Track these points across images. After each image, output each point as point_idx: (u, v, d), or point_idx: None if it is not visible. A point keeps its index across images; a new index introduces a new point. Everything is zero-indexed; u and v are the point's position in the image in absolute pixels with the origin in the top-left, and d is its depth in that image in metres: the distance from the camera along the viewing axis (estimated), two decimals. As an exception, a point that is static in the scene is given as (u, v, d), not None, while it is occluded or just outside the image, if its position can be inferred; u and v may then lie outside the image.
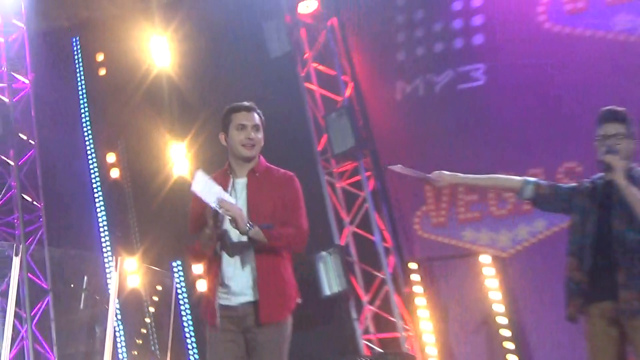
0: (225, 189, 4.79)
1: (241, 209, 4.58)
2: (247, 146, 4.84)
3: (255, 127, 4.88)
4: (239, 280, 4.72)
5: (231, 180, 4.90)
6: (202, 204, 4.76)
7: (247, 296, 4.67)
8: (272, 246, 4.76)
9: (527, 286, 8.36)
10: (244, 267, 4.73)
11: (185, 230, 5.23)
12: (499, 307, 8.18)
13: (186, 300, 9.35)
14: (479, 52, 8.97)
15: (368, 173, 9.03)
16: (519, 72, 8.68)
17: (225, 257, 4.72)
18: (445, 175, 5.05)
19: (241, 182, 4.90)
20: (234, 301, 4.69)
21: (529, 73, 8.60)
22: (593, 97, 7.94)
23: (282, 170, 5.02)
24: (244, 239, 4.61)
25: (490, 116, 8.72)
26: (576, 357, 7.08)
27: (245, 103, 4.97)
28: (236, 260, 4.76)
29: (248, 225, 4.53)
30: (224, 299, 4.70)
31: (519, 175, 5.29)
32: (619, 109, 4.87)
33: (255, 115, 4.90)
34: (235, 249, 4.72)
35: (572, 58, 8.49)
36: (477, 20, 8.98)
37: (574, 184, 4.99)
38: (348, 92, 9.22)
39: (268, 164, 4.98)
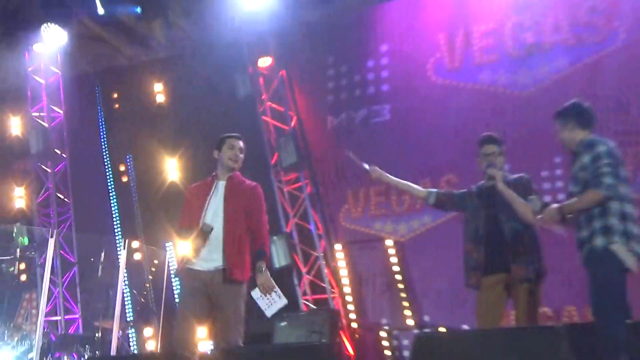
0: (208, 193, 5.07)
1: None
2: (233, 160, 5.15)
3: (240, 150, 5.19)
4: (213, 254, 4.87)
5: (215, 182, 5.12)
6: (192, 207, 5.09)
7: (217, 262, 4.86)
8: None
9: (418, 261, 8.45)
10: (217, 246, 4.87)
11: (175, 220, 5.47)
12: (398, 276, 8.36)
13: (174, 269, 9.37)
14: (386, 97, 9.09)
15: (307, 181, 9.10)
16: (414, 111, 8.82)
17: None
18: (378, 171, 5.34)
19: (222, 184, 5.09)
20: (205, 267, 4.85)
21: (421, 111, 8.77)
22: (466, 127, 8.20)
23: (250, 182, 5.32)
24: (220, 234, 4.87)
25: (394, 142, 8.82)
26: (454, 308, 7.40)
27: (236, 134, 5.28)
28: (211, 243, 4.87)
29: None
30: (198, 266, 4.92)
31: (414, 182, 5.65)
32: (494, 134, 5.15)
33: (241, 142, 5.23)
34: (211, 239, 4.88)
35: (451, 101, 8.67)
36: (384, 74, 9.17)
37: (464, 190, 5.17)
38: (292, 123, 9.33)
39: (242, 177, 5.19)
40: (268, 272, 4.84)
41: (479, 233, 4.93)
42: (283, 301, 4.86)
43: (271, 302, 4.83)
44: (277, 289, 4.84)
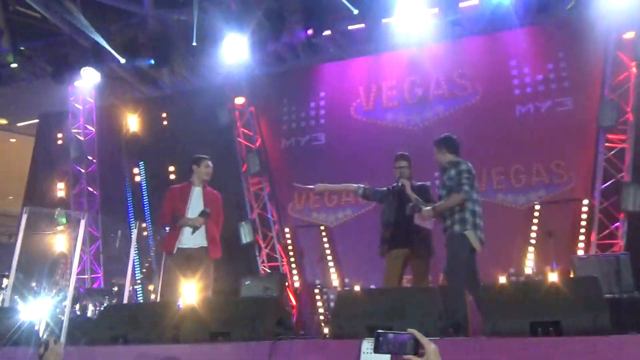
0: (188, 194, 5.17)
1: None
2: (208, 175, 5.25)
3: (211, 168, 5.28)
4: (198, 238, 5.02)
5: (192, 187, 5.22)
6: (175, 203, 5.11)
7: (202, 243, 5.00)
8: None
9: (342, 241, 8.48)
10: (201, 232, 5.03)
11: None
12: (327, 251, 8.30)
13: None
14: (322, 127, 9.14)
15: (266, 184, 9.08)
16: (341, 138, 8.88)
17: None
18: (321, 186, 5.44)
19: (198, 190, 5.21)
20: (191, 245, 4.99)
21: (346, 138, 8.85)
22: (377, 151, 8.20)
23: (216, 191, 5.41)
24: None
25: (327, 159, 8.80)
26: (370, 275, 7.33)
27: (208, 157, 5.38)
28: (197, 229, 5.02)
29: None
30: (185, 245, 5.00)
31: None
32: (405, 153, 5.23)
33: (210, 162, 5.29)
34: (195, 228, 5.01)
35: (367, 132, 8.73)
36: (322, 112, 9.20)
37: (384, 189, 5.24)
38: (258, 143, 9.30)
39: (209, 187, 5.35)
40: (202, 219, 5.01)
41: (390, 220, 5.01)
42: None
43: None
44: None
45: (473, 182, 4.54)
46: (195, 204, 5.13)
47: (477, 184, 4.65)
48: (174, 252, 4.96)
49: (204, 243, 5.03)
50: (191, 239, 4.99)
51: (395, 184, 5.14)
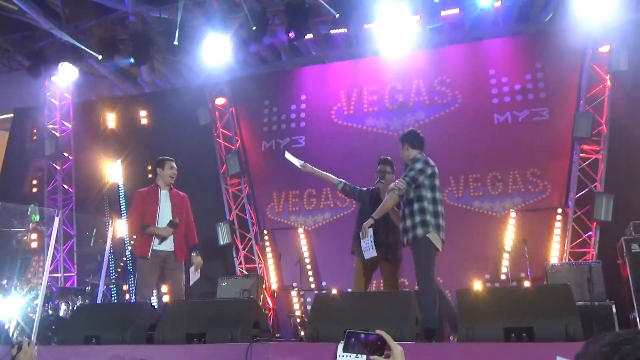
0: (157, 198, 5.21)
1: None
2: (172, 177, 5.31)
3: (176, 169, 5.34)
4: (167, 242, 5.13)
5: (159, 191, 5.26)
6: (145, 206, 5.18)
7: (170, 247, 5.12)
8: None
9: (319, 244, 8.46)
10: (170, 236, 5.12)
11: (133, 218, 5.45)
12: (305, 254, 8.35)
13: None
14: (302, 130, 9.09)
15: (245, 185, 8.99)
16: (321, 141, 8.83)
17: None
18: (308, 166, 5.37)
19: (165, 193, 5.27)
20: (163, 249, 5.10)
21: (326, 141, 8.81)
22: (356, 154, 8.28)
23: (182, 193, 5.51)
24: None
25: (308, 161, 8.36)
26: (348, 279, 7.39)
27: (172, 158, 5.45)
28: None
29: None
30: (158, 247, 5.09)
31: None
32: (388, 157, 5.22)
33: (174, 163, 5.37)
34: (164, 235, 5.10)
35: (347, 136, 8.73)
36: (302, 115, 9.16)
37: (364, 188, 5.26)
38: (237, 145, 9.23)
39: (175, 188, 5.43)
40: (200, 257, 5.29)
41: (364, 221, 4.93)
42: (197, 276, 5.18)
43: (195, 277, 5.25)
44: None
45: (434, 181, 4.47)
46: (164, 208, 5.20)
47: (439, 183, 4.54)
48: (149, 256, 5.03)
49: (172, 248, 5.15)
50: (163, 243, 5.13)
51: (374, 187, 5.18)
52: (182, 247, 5.25)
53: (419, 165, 4.45)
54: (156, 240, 5.07)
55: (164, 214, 5.17)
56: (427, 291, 4.18)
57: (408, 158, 4.59)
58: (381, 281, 5.30)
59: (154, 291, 5.18)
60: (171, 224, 5.12)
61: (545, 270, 6.38)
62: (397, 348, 1.68)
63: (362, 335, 1.73)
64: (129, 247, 9.35)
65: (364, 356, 1.77)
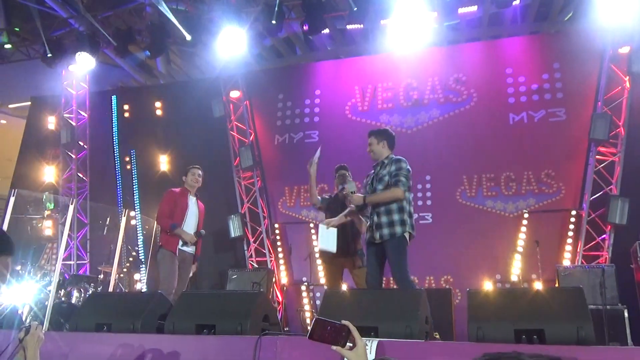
0: (187, 204, 5.45)
1: None
2: (195, 182, 5.59)
3: (199, 175, 5.62)
4: (191, 246, 5.48)
5: (188, 194, 5.54)
6: (176, 206, 5.41)
7: (192, 250, 5.49)
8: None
9: None
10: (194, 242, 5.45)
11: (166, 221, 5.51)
12: (316, 249, 8.11)
13: (159, 233, 9.22)
14: (316, 125, 9.08)
15: (258, 178, 9.00)
16: (334, 137, 8.76)
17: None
18: (312, 170, 5.25)
19: (193, 199, 5.58)
20: (187, 250, 5.46)
21: (339, 137, 8.72)
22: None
23: (201, 202, 5.76)
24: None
25: (320, 156, 8.80)
26: None
27: (197, 165, 5.69)
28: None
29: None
30: (183, 248, 5.40)
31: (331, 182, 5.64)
32: (344, 164, 5.57)
33: (200, 171, 5.65)
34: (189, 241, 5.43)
35: (360, 132, 8.33)
36: (316, 110, 9.13)
37: (328, 196, 5.50)
38: (251, 138, 9.24)
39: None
40: (195, 239, 5.46)
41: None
42: None
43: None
44: None
45: (410, 181, 4.47)
46: (192, 213, 5.50)
47: (412, 184, 4.54)
48: (176, 253, 5.32)
49: (193, 251, 5.53)
50: (188, 245, 5.48)
51: (337, 192, 5.28)
52: (198, 249, 5.64)
53: (407, 166, 4.44)
54: (182, 242, 5.39)
55: (191, 218, 5.48)
56: (407, 282, 4.19)
57: (382, 155, 4.54)
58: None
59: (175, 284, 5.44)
60: (197, 234, 5.49)
61: (557, 272, 6.31)
62: (360, 341, 1.69)
63: (330, 325, 1.73)
64: (141, 237, 9.44)
65: (372, 355, 1.76)
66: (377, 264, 4.40)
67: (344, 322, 1.72)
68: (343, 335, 1.71)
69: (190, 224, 5.48)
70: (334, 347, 1.70)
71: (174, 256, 5.31)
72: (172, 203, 5.41)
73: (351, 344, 1.70)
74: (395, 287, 4.89)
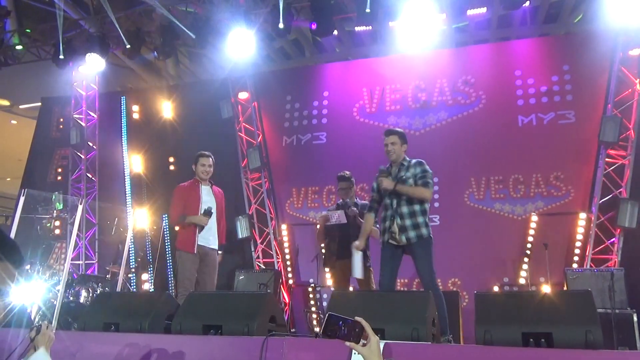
0: (199, 192, 5.25)
1: None
2: (205, 174, 5.26)
3: (209, 165, 5.32)
4: (211, 237, 5.23)
5: (199, 185, 5.29)
6: (187, 201, 5.21)
7: (213, 244, 5.25)
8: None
9: None
10: (214, 232, 5.26)
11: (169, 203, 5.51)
12: (323, 250, 8.29)
13: (167, 234, 9.25)
14: (324, 127, 9.08)
15: (266, 180, 9.02)
16: (342, 138, 8.81)
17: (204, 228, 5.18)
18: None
19: (206, 188, 5.33)
20: (206, 244, 5.20)
21: (347, 139, 8.77)
22: (376, 152, 8.12)
23: (218, 188, 5.57)
24: (214, 223, 5.25)
25: (327, 158, 8.75)
26: None
27: (207, 152, 5.41)
28: (211, 229, 5.22)
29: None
30: (202, 242, 5.18)
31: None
32: (346, 174, 5.60)
33: (211, 159, 5.32)
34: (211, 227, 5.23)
35: (368, 134, 8.61)
36: (324, 111, 9.13)
37: (337, 203, 5.64)
38: (259, 139, 9.26)
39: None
40: (220, 257, 5.38)
41: (336, 234, 5.27)
42: None
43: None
44: None
45: None
46: (207, 202, 5.24)
47: None
48: (194, 251, 5.09)
49: (216, 245, 5.25)
50: (209, 239, 5.20)
51: (340, 202, 5.46)
52: (219, 242, 5.35)
53: (429, 168, 4.48)
54: (200, 236, 5.12)
55: (209, 206, 5.22)
56: (437, 290, 4.19)
57: (400, 156, 4.55)
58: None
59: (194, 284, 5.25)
60: (205, 212, 5.12)
61: (565, 275, 6.27)
62: (374, 337, 1.69)
63: (342, 321, 1.73)
64: (149, 237, 9.48)
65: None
66: (394, 266, 4.40)
67: (357, 318, 1.72)
68: (356, 332, 1.71)
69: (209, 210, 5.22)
70: (347, 343, 1.70)
71: (192, 256, 5.08)
72: (181, 199, 5.24)
73: (364, 341, 1.69)
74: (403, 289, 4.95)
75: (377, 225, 4.82)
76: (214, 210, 5.22)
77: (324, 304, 7.99)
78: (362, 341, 1.71)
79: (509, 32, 8.73)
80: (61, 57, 8.89)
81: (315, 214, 8.74)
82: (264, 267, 8.55)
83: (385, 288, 4.34)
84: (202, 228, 5.14)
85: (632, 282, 5.96)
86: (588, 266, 6.84)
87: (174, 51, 8.96)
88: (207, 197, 5.29)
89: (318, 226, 5.48)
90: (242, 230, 8.69)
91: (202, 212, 5.15)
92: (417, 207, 4.37)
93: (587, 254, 7.02)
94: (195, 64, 10.47)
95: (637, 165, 7.15)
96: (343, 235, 5.16)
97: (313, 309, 7.93)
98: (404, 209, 4.37)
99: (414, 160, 4.54)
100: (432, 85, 8.59)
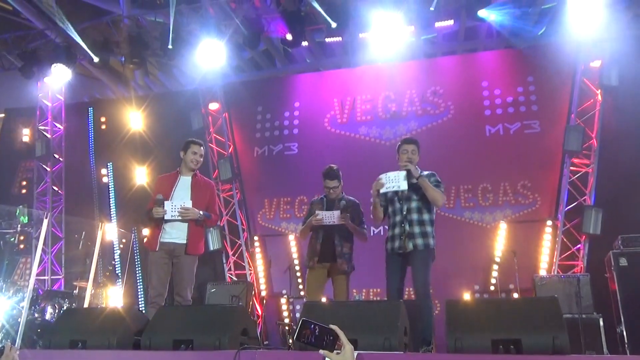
0: (173, 184, 4.83)
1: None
2: (194, 163, 4.92)
3: (200, 155, 4.97)
4: (179, 232, 4.74)
5: (179, 177, 4.90)
6: (159, 193, 4.78)
7: (181, 240, 4.75)
8: (207, 224, 4.96)
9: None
10: (182, 226, 4.72)
11: (142, 211, 5.25)
12: (295, 261, 8.23)
13: (136, 247, 9.11)
14: (296, 137, 9.08)
15: (237, 191, 8.98)
16: (314, 148, 8.83)
17: (170, 210, 4.63)
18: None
19: (187, 180, 4.88)
20: (171, 240, 4.73)
21: (318, 149, 8.78)
22: (348, 162, 8.09)
23: (207, 179, 5.13)
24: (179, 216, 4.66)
25: (299, 168, 8.75)
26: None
27: (199, 140, 5.05)
28: (172, 224, 4.70)
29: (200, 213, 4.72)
30: (165, 239, 4.75)
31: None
32: (333, 169, 5.16)
33: (202, 148, 5.01)
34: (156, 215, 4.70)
35: (339, 144, 8.69)
36: (295, 122, 9.15)
37: (314, 198, 5.36)
38: (230, 150, 9.21)
39: (200, 174, 5.03)
40: (199, 214, 4.72)
41: (319, 233, 4.97)
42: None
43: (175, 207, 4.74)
44: None
45: None
46: (179, 195, 4.77)
47: None
48: (157, 248, 4.72)
49: (183, 240, 4.74)
50: (172, 233, 4.73)
51: (322, 196, 5.21)
52: (197, 239, 4.80)
53: (441, 180, 4.56)
54: (164, 232, 4.70)
55: (177, 199, 4.70)
56: (430, 300, 4.22)
57: (415, 163, 4.58)
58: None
59: (166, 285, 4.80)
60: (156, 202, 4.66)
61: (534, 282, 6.40)
62: (348, 345, 1.68)
63: (315, 327, 1.71)
64: (118, 251, 9.31)
65: None
66: (401, 275, 4.44)
67: (331, 326, 1.71)
68: (331, 340, 1.69)
69: (178, 205, 4.68)
70: (321, 351, 1.68)
71: (156, 254, 4.71)
72: (156, 192, 4.83)
73: (338, 350, 1.68)
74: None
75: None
76: (181, 202, 4.67)
77: (297, 315, 7.93)
78: (335, 350, 1.69)
79: (475, 44, 8.93)
80: (22, 66, 8.71)
81: (287, 224, 8.73)
82: (236, 279, 8.46)
83: (393, 297, 4.36)
84: (165, 222, 4.70)
85: (598, 287, 6.11)
86: (555, 272, 6.99)
87: (143, 62, 8.88)
88: (182, 190, 4.82)
89: (302, 226, 5.29)
90: (213, 242, 8.60)
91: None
92: (426, 217, 4.45)
93: (554, 260, 7.18)
94: (165, 74, 10.38)
95: (600, 173, 7.37)
96: (328, 235, 4.95)
97: (287, 320, 7.88)
98: (414, 216, 4.44)
99: (426, 172, 4.58)
100: (402, 96, 8.71)
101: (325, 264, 4.94)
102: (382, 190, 4.45)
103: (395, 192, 4.55)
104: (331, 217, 4.86)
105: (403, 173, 4.39)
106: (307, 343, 1.70)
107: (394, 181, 4.39)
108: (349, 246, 4.95)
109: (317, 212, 4.94)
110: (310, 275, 4.99)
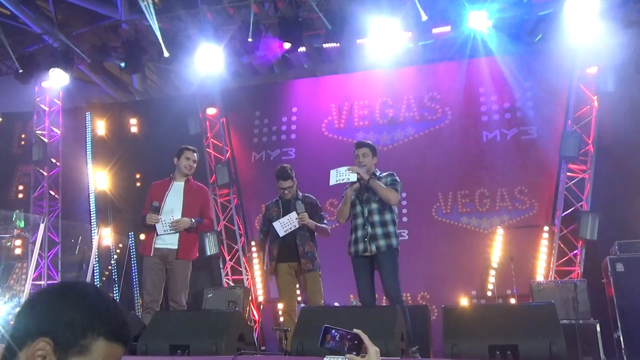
0: (165, 190, 4.90)
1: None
2: (187, 168, 4.99)
3: (194, 161, 5.04)
4: (172, 238, 4.78)
5: (172, 182, 4.97)
6: (152, 200, 4.87)
7: (173, 245, 4.79)
8: (200, 229, 5.02)
9: None
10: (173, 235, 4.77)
11: (138, 216, 5.26)
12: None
13: (133, 252, 9.07)
14: (293, 142, 9.08)
15: (234, 196, 8.94)
16: (311, 153, 8.80)
17: (161, 227, 4.73)
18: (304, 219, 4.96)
19: (179, 185, 4.95)
20: (164, 246, 4.78)
21: (315, 154, 8.75)
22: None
23: (201, 184, 5.20)
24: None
25: (297, 173, 8.27)
26: (334, 292, 7.44)
27: (192, 147, 5.12)
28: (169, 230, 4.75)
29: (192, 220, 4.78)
30: (158, 245, 4.79)
31: None
32: (286, 169, 5.23)
33: (196, 154, 5.08)
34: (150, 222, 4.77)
35: (336, 149, 8.62)
36: (293, 127, 9.14)
37: (271, 202, 5.38)
38: (227, 155, 9.18)
39: (194, 180, 5.08)
40: (191, 222, 4.78)
41: (277, 235, 4.90)
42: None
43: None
44: None
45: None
46: (172, 200, 4.85)
47: None
48: (151, 254, 4.77)
49: (174, 245, 4.79)
50: (165, 239, 4.78)
51: (277, 199, 5.22)
52: (189, 244, 4.86)
53: (399, 179, 4.58)
54: (158, 238, 4.75)
55: (171, 206, 4.80)
56: (402, 302, 4.22)
57: (371, 169, 4.62)
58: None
59: (161, 290, 4.81)
60: (152, 208, 4.75)
61: (530, 287, 6.41)
62: (372, 348, 1.66)
63: (337, 332, 1.70)
64: (115, 256, 9.28)
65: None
66: (371, 279, 4.42)
67: (355, 330, 1.70)
68: (355, 344, 1.68)
69: (169, 211, 4.78)
70: (348, 356, 1.66)
71: (150, 260, 4.77)
72: (150, 198, 4.93)
73: (364, 354, 1.67)
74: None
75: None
76: (178, 215, 4.78)
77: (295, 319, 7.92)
78: (360, 354, 1.68)
79: (472, 51, 8.93)
80: (20, 71, 8.70)
81: (284, 229, 8.69)
82: (233, 285, 8.42)
83: (367, 302, 4.32)
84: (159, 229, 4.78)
85: (595, 293, 6.12)
86: (552, 278, 7.00)
87: (141, 67, 8.89)
88: (175, 196, 4.88)
89: (261, 236, 5.31)
90: (210, 247, 8.56)
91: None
92: (388, 217, 4.45)
93: (551, 266, 7.18)
94: (162, 79, 10.40)
95: (596, 179, 7.38)
96: (287, 236, 4.86)
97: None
98: (376, 217, 4.44)
99: (385, 173, 4.64)
100: (400, 102, 8.73)
101: (291, 263, 4.89)
102: (331, 183, 4.51)
103: (357, 196, 4.60)
104: (289, 222, 4.82)
105: (354, 174, 4.46)
106: (330, 349, 1.69)
107: (344, 175, 4.47)
108: (311, 245, 4.91)
109: (274, 224, 4.87)
110: (279, 280, 4.96)
